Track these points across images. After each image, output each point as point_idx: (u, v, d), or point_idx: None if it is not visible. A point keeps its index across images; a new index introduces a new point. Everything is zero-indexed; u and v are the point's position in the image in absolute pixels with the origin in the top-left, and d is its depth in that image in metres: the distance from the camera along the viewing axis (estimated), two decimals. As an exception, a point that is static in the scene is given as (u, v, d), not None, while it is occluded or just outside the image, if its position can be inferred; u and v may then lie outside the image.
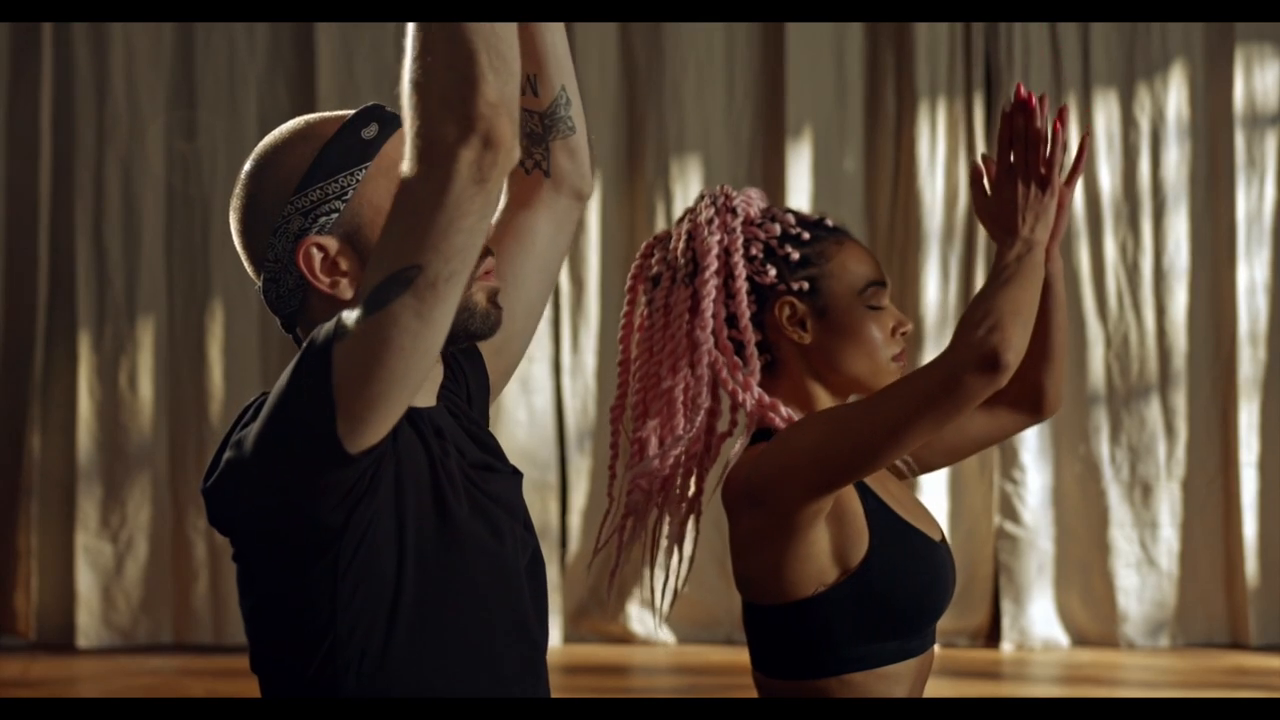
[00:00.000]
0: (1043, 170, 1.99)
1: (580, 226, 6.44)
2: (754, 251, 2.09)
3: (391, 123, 1.65)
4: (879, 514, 2.03)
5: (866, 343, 2.09)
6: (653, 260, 2.15)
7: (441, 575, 1.60)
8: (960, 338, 1.90)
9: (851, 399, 2.15)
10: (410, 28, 1.47)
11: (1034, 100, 1.99)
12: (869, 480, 2.07)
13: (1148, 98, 6.40)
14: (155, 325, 6.38)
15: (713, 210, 2.11)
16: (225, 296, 6.38)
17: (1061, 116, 1.98)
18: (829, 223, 2.13)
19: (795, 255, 2.09)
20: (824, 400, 2.11)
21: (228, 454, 1.58)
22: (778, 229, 2.10)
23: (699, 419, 2.07)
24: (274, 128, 1.70)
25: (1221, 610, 6.35)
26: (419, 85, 1.44)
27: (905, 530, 2.05)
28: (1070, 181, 2.04)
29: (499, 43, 1.44)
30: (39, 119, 6.34)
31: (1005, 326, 1.88)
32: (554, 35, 1.81)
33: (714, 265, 2.08)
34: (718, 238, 2.09)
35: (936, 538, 2.10)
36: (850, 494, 2.02)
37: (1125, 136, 6.40)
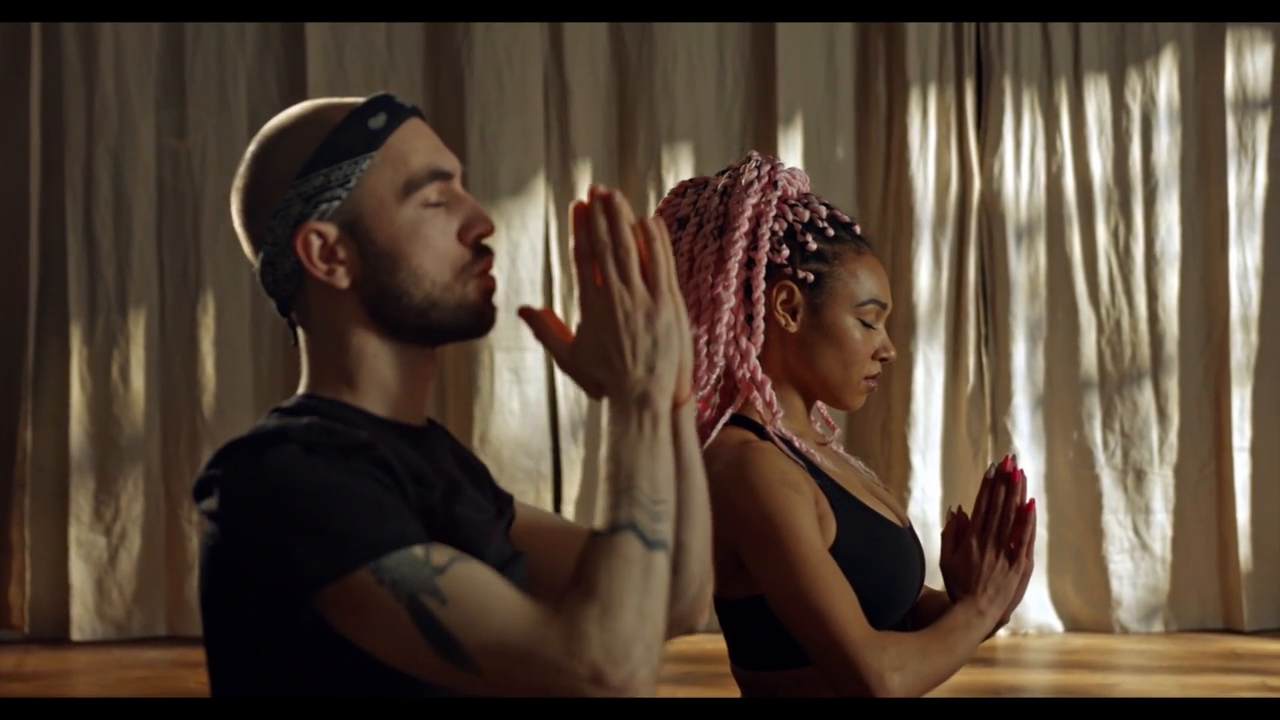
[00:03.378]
0: (1013, 545, 2.06)
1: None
2: (777, 228, 2.10)
3: (400, 114, 1.61)
4: (843, 503, 2.04)
5: (848, 352, 2.10)
6: (684, 201, 2.15)
7: None
8: (880, 650, 1.94)
9: (819, 406, 2.16)
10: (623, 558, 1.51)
11: (1019, 474, 2.05)
12: (832, 470, 2.09)
13: (1139, 83, 6.40)
14: (147, 318, 6.37)
15: (755, 175, 2.12)
16: (217, 289, 6.37)
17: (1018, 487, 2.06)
18: (857, 229, 2.15)
19: (813, 246, 2.10)
20: (789, 396, 2.12)
21: (209, 517, 1.53)
22: (807, 215, 2.12)
23: (713, 377, 2.08)
24: (264, 121, 1.67)
25: (1214, 595, 6.36)
26: (617, 611, 1.52)
27: (871, 518, 2.06)
28: (1029, 552, 2.08)
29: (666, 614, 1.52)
30: (28, 111, 6.31)
31: (911, 686, 1.95)
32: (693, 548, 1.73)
33: (745, 228, 2.09)
34: (754, 201, 2.10)
35: (902, 525, 2.11)
36: (813, 485, 2.03)
37: (1116, 122, 6.40)
